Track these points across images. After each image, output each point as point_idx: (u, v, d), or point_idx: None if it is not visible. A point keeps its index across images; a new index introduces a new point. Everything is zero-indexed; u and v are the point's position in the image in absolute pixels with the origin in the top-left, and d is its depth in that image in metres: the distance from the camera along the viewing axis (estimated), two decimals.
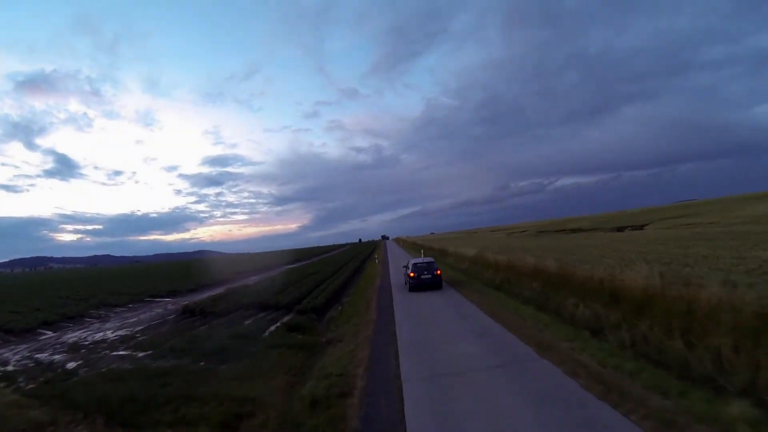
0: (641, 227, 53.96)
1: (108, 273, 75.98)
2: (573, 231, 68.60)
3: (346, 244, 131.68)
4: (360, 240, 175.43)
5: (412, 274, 19.82)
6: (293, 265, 52.38)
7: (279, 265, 55.38)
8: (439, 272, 20.08)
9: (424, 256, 26.31)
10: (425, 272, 19.71)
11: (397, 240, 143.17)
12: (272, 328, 14.43)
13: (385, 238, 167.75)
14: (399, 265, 31.16)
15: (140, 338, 15.29)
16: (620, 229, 56.08)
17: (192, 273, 54.86)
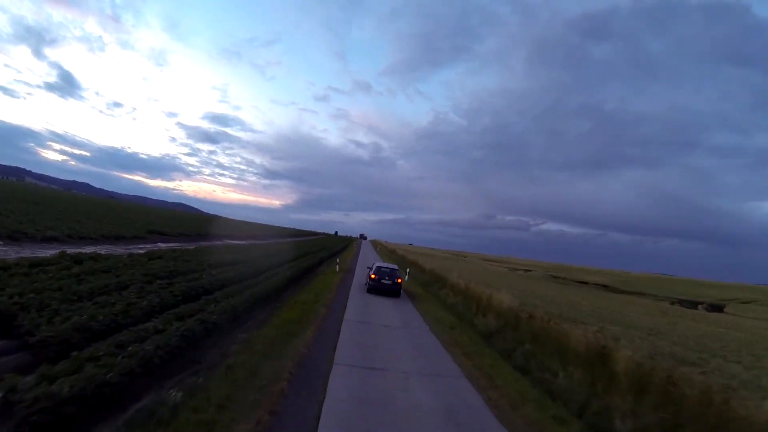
0: (720, 309, 44.00)
1: (83, 202, 72.06)
2: (603, 287, 56.48)
3: (320, 234, 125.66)
4: (336, 233, 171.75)
5: (373, 276, 20.48)
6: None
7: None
8: (400, 281, 20.95)
9: (404, 270, 28.70)
10: (386, 277, 20.43)
11: (375, 243, 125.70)
12: None
13: (362, 237, 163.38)
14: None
15: None
16: (695, 306, 43.60)
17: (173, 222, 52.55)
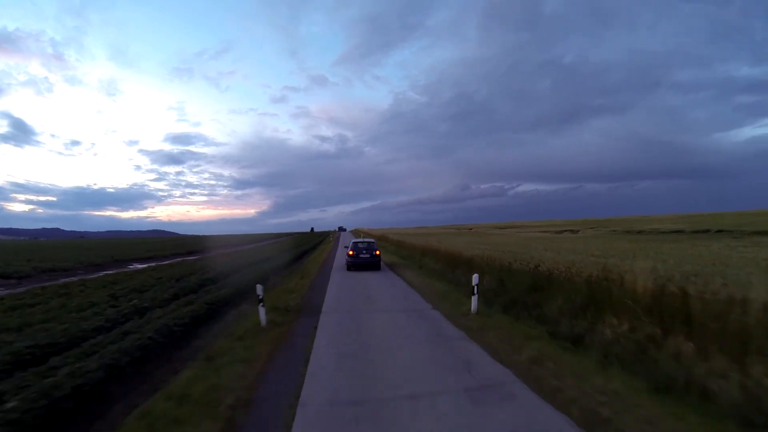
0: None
1: (45, 246, 67.15)
2: (679, 232, 48.10)
3: (292, 234, 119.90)
4: (312, 229, 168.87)
5: (351, 252, 20.85)
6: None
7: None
8: (378, 252, 21.29)
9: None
10: (364, 252, 20.80)
11: (357, 232, 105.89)
12: None
13: (341, 229, 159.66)
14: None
15: None
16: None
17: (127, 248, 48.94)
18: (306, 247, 43.43)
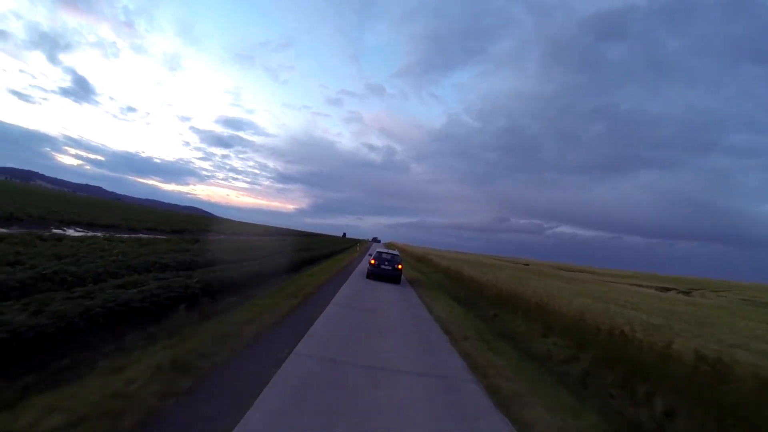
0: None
1: (82, 201, 67.47)
2: None
3: (320, 235, 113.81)
4: (344, 234, 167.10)
5: (373, 261, 20.38)
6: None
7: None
8: (400, 267, 20.62)
9: None
10: (386, 263, 20.30)
11: (390, 246, 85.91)
12: None
13: (375, 240, 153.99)
14: None
15: None
16: None
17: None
18: (326, 251, 38.05)
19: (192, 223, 52.92)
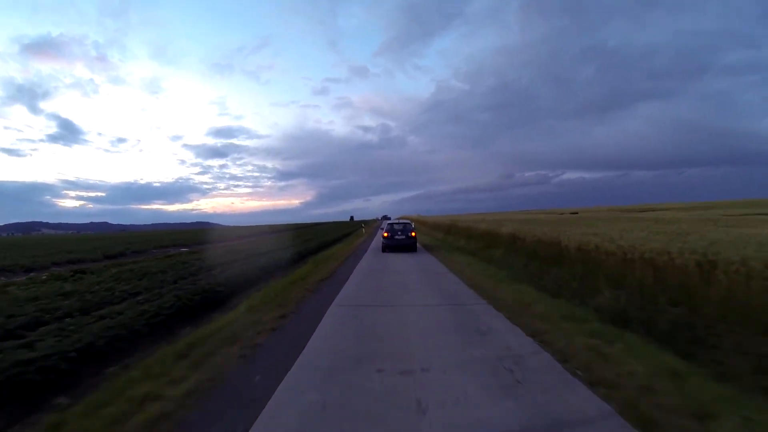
0: None
1: (85, 239, 65.40)
2: None
3: (327, 223, 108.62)
4: (352, 218, 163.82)
5: (385, 234, 20.70)
6: None
7: None
8: (414, 234, 20.69)
9: None
10: (399, 233, 20.52)
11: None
12: None
13: (386, 218, 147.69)
14: None
15: None
16: None
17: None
18: (328, 239, 35.57)
19: (177, 238, 50.50)
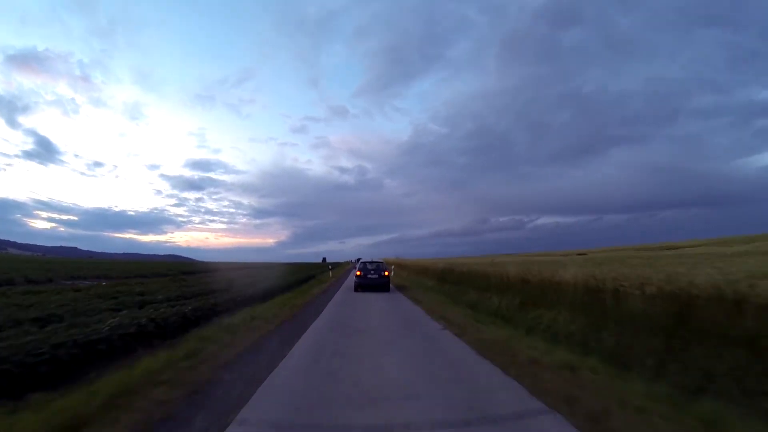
0: None
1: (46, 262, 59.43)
2: None
3: (297, 264, 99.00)
4: (324, 259, 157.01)
5: (358, 273, 20.90)
6: None
7: None
8: (387, 273, 20.93)
9: None
10: (372, 272, 20.64)
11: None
12: None
13: (358, 261, 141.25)
14: None
15: None
16: None
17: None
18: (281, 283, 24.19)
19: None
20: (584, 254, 56.77)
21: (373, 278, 20.46)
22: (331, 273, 44.64)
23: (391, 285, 21.42)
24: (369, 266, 21.22)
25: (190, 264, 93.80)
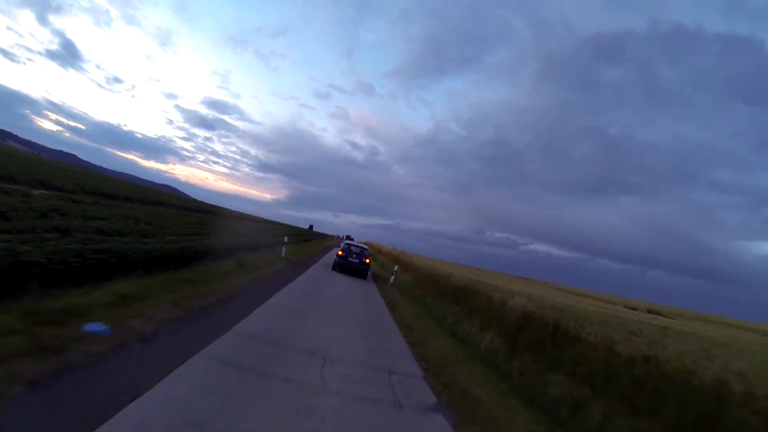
0: None
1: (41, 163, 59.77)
2: None
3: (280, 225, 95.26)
4: (311, 227, 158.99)
5: (340, 252, 20.69)
6: None
7: None
8: (368, 261, 20.99)
9: None
10: (354, 256, 20.47)
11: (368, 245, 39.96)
12: None
13: (348, 238, 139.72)
14: None
15: None
16: None
17: None
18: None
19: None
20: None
21: (354, 262, 20.39)
22: (310, 249, 35.45)
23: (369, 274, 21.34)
24: (353, 249, 21.19)
25: (186, 199, 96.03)
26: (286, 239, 22.47)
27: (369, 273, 21.67)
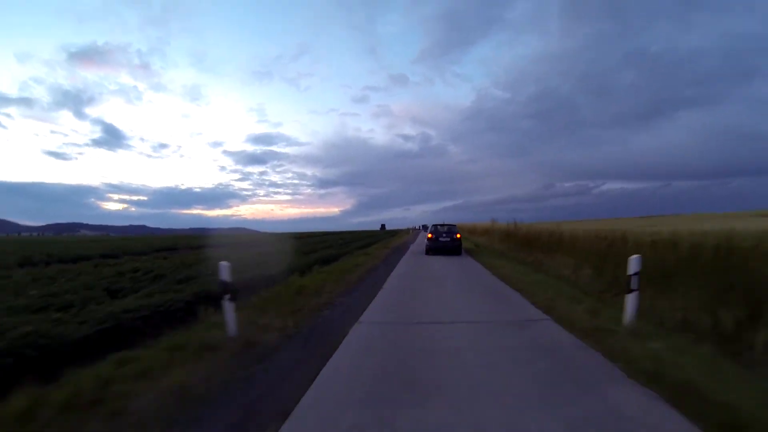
0: None
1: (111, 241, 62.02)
2: None
3: (352, 232, 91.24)
4: (383, 226, 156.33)
5: (430, 235, 20.92)
6: None
7: None
8: (458, 236, 20.79)
9: None
10: (444, 235, 20.68)
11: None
12: None
13: (425, 228, 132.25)
14: None
15: None
16: None
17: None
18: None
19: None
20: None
21: (445, 241, 20.53)
22: (374, 250, 25.61)
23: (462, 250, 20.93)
24: (440, 229, 21.59)
25: (250, 235, 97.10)
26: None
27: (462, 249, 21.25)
